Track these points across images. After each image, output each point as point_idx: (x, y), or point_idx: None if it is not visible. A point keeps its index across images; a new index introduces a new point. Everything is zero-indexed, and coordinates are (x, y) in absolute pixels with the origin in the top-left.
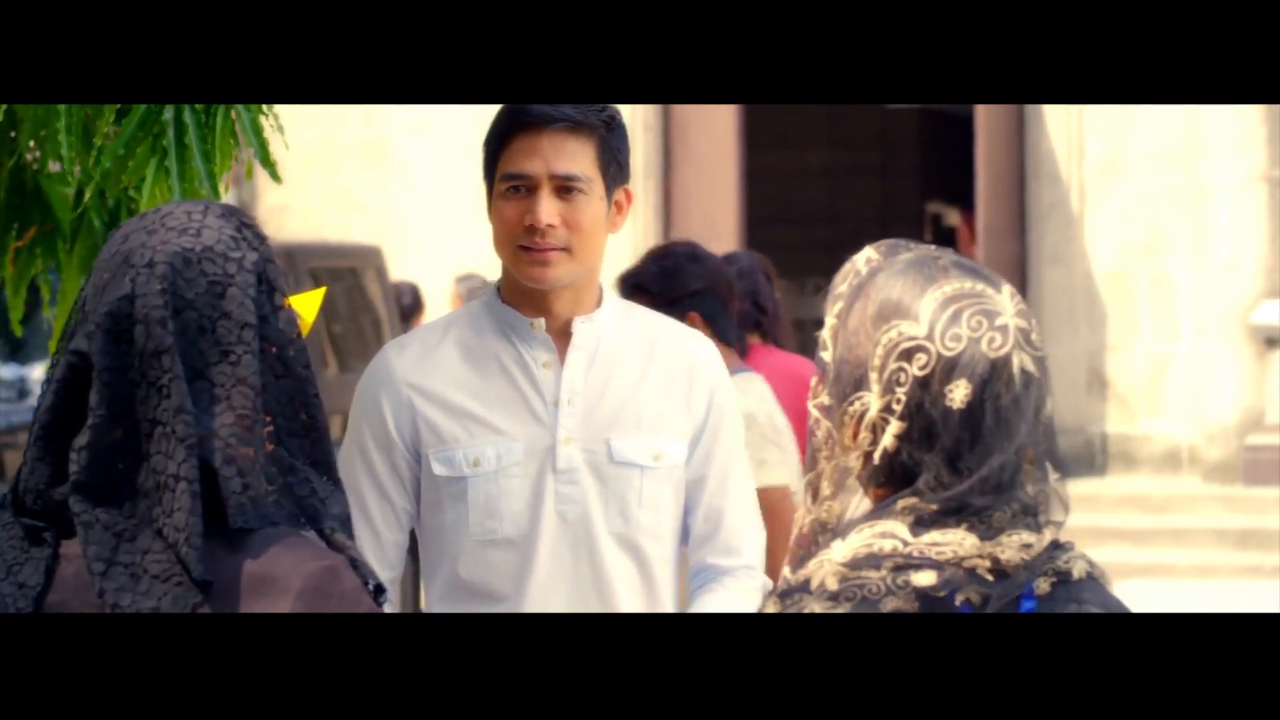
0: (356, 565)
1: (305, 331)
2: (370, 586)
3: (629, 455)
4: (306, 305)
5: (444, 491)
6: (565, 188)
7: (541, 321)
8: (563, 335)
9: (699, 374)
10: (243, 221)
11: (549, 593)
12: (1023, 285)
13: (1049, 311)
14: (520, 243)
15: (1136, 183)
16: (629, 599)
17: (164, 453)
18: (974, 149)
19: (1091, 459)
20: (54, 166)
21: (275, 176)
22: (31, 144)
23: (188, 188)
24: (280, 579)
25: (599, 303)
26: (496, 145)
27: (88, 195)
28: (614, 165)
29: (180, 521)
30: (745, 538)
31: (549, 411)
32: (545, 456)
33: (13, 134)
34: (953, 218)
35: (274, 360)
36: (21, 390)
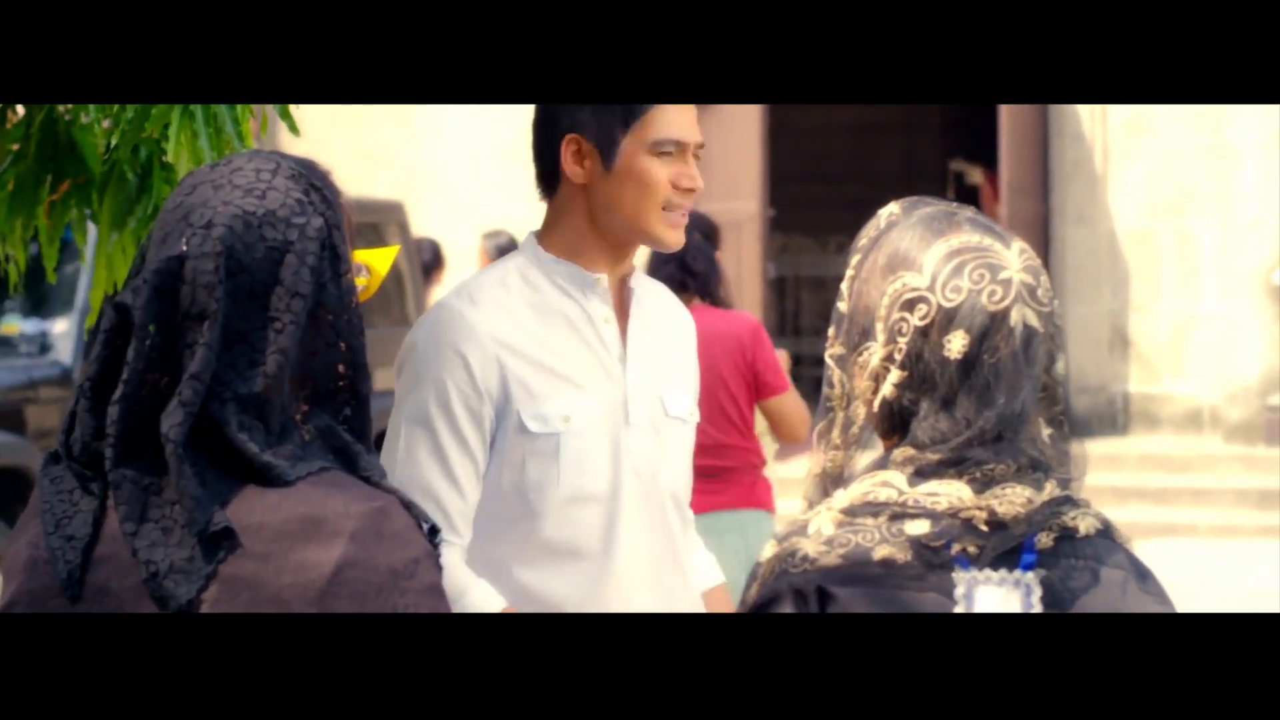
0: (410, 507)
1: (376, 285)
2: (425, 529)
3: (678, 411)
4: (380, 260)
5: (530, 448)
6: (695, 154)
7: (604, 277)
8: (611, 293)
9: (690, 333)
10: (312, 184)
11: (634, 550)
12: (1046, 244)
13: (1072, 270)
14: (670, 204)
15: (1161, 141)
16: (685, 556)
17: (168, 413)
18: (997, 107)
19: (1114, 418)
20: (86, 118)
21: (294, 129)
22: None
23: (214, 136)
24: (331, 521)
25: None
26: (637, 108)
27: (113, 144)
28: None
29: (174, 480)
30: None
31: (617, 367)
32: (618, 412)
33: None
34: (976, 176)
35: (328, 329)
36: (43, 345)
